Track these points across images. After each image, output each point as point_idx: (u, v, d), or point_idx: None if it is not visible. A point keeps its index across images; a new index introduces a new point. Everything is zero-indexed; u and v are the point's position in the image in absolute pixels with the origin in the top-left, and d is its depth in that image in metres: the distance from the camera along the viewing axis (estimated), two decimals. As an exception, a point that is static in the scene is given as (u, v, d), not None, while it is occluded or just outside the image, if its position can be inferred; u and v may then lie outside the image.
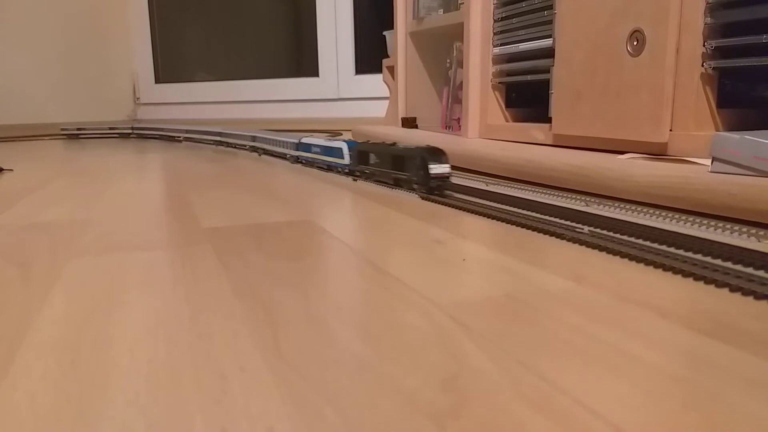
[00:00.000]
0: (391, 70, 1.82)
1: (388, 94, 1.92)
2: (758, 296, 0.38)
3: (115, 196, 0.91)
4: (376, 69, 2.10)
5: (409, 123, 1.65)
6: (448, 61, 1.39)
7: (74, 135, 2.53)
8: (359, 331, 0.35)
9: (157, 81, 3.24)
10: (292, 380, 0.28)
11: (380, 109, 2.31)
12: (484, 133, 1.16)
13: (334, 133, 2.39)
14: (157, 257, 0.53)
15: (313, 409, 0.26)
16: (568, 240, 0.55)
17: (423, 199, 0.80)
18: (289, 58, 3.21)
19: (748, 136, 0.57)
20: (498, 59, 1.12)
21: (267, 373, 0.29)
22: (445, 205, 0.75)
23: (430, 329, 0.35)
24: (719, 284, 0.41)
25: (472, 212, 0.69)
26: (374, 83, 2.55)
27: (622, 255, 0.49)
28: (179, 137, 2.15)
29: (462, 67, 1.25)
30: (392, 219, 0.67)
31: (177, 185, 1.02)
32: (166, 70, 3.26)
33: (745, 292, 0.39)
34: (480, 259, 0.50)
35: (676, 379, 0.28)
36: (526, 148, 0.93)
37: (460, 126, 1.26)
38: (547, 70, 0.96)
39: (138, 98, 3.25)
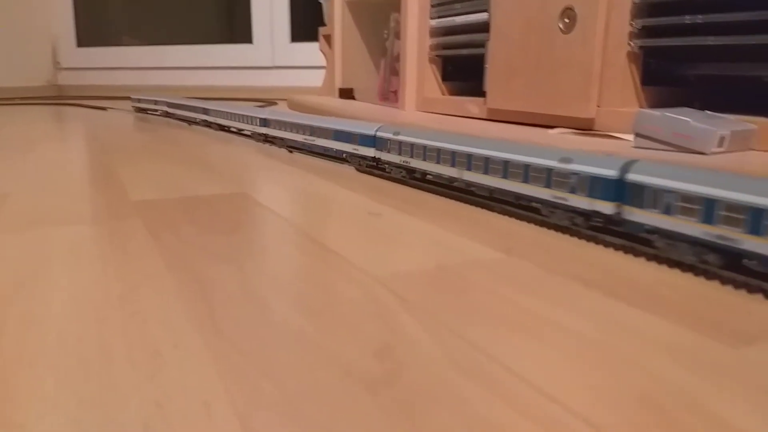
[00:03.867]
0: (328, 38, 1.80)
1: (324, 64, 1.90)
2: (672, 264, 0.41)
3: (36, 167, 0.86)
4: (313, 37, 2.06)
5: (346, 94, 1.64)
6: (386, 32, 1.38)
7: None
8: (297, 304, 0.35)
9: (80, 45, 3.07)
10: (230, 355, 0.28)
11: (316, 79, 2.28)
12: (421, 106, 1.16)
13: (268, 103, 2.34)
14: (83, 232, 0.51)
15: (250, 383, 0.26)
16: (499, 212, 0.57)
17: (359, 171, 0.80)
18: (221, 23, 3.11)
19: (669, 114, 0.59)
20: (435, 32, 1.12)
21: (203, 348, 0.29)
22: (383, 178, 0.75)
23: (366, 301, 0.35)
24: (637, 253, 0.43)
25: (409, 185, 0.70)
26: (310, 52, 2.51)
27: (549, 226, 0.51)
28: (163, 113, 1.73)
29: (399, 39, 1.24)
30: (329, 192, 0.67)
31: (103, 156, 0.98)
32: (89, 33, 3.09)
33: (660, 261, 0.42)
34: (416, 231, 0.51)
35: (598, 345, 0.29)
36: (461, 122, 0.94)
37: (397, 98, 1.26)
38: (483, 45, 0.97)
39: (58, 63, 3.08)
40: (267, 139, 1.09)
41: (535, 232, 0.51)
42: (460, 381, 0.26)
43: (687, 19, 0.66)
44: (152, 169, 0.84)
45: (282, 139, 1.01)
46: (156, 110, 1.77)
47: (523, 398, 0.25)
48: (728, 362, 0.28)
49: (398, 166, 0.72)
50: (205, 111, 1.41)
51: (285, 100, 2.25)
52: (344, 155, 0.83)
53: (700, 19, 0.64)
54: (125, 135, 1.30)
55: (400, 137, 0.70)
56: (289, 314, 0.33)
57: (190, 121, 1.54)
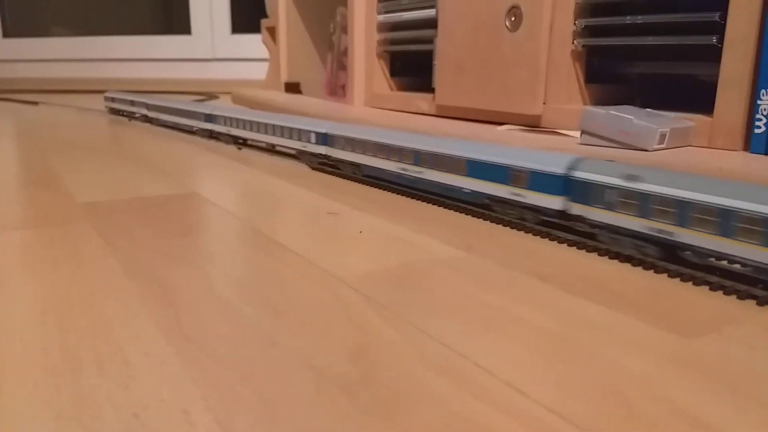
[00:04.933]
0: (272, 31, 1.78)
1: (267, 56, 1.87)
2: (622, 259, 0.43)
3: (-30, 166, 0.82)
4: (255, 28, 2.03)
5: (293, 88, 1.62)
6: (332, 25, 1.38)
7: None
8: (264, 308, 0.35)
9: (6, 35, 2.91)
10: (202, 361, 0.28)
11: (259, 72, 2.24)
12: (370, 102, 1.17)
13: (209, 96, 2.30)
14: (30, 237, 0.49)
15: (226, 389, 0.26)
16: (456, 210, 0.58)
17: (313, 169, 0.80)
18: (158, 13, 3.01)
19: (613, 112, 0.62)
20: (383, 27, 1.13)
21: (174, 355, 0.29)
22: (336, 176, 0.75)
23: (334, 302, 0.36)
24: (590, 249, 0.45)
25: (363, 183, 0.71)
26: (252, 44, 2.47)
27: (505, 223, 0.53)
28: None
29: (346, 33, 1.24)
30: (284, 191, 0.67)
31: (41, 155, 0.94)
32: (16, 23, 2.94)
33: (612, 256, 0.44)
34: (375, 230, 0.51)
35: (560, 339, 0.31)
36: (411, 119, 0.95)
37: (345, 93, 1.26)
38: (431, 41, 0.98)
39: (-17, 53, 2.91)
40: (327, 162, 0.79)
41: (490, 229, 0.52)
42: (434, 379, 0.27)
43: (627, 19, 0.69)
44: (96, 168, 0.81)
45: (343, 161, 0.74)
46: (135, 113, 1.44)
47: (495, 393, 0.26)
48: (683, 353, 0.29)
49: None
50: (211, 117, 1.08)
51: (227, 93, 2.21)
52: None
53: (639, 19, 0.67)
54: (62, 132, 1.25)
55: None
56: (257, 318, 0.33)
57: (185, 130, 1.21)
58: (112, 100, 1.59)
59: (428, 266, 0.42)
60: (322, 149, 0.77)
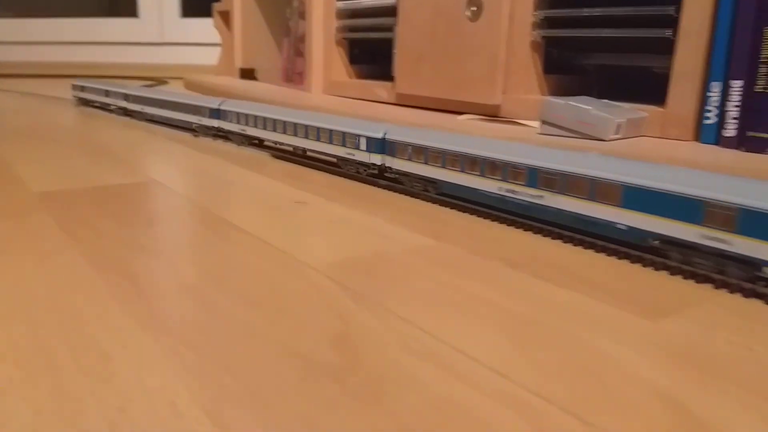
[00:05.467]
0: (224, 15, 1.74)
1: (219, 41, 1.83)
2: (586, 246, 0.45)
3: None
4: (205, 12, 1.98)
5: (248, 74, 1.60)
6: (288, 11, 1.36)
7: None
8: (240, 298, 0.35)
9: (-62, 14, 2.76)
10: (183, 353, 0.28)
11: (210, 57, 2.20)
12: (329, 90, 1.16)
13: (158, 82, 2.23)
14: (-13, 227, 0.47)
15: (211, 380, 0.26)
16: (424, 199, 0.59)
17: (275, 158, 0.79)
18: (103, -5, 2.90)
19: (571, 102, 0.64)
20: (341, 14, 1.12)
21: (152, 347, 0.29)
22: (300, 165, 0.75)
23: (311, 291, 0.36)
24: (554, 236, 0.47)
25: (328, 172, 0.71)
26: (203, 28, 2.41)
27: (470, 212, 0.54)
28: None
29: (304, 19, 1.23)
30: (248, 180, 0.66)
31: (-13, 141, 0.90)
32: (-51, 1, 2.78)
33: (576, 243, 0.45)
34: (344, 219, 0.51)
35: (535, 323, 0.32)
36: (370, 107, 0.96)
37: (302, 80, 1.25)
38: (391, 29, 0.98)
39: None
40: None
41: (456, 217, 0.53)
42: (417, 364, 0.28)
43: (585, 11, 0.71)
44: (48, 156, 0.78)
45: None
46: (110, 105, 1.26)
47: (477, 377, 0.27)
48: (649, 333, 0.31)
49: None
50: (218, 113, 0.92)
51: (177, 78, 2.15)
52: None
53: (597, 12, 0.69)
54: (6, 118, 1.20)
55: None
56: (234, 308, 0.33)
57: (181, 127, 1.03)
58: (82, 89, 1.38)
59: (399, 255, 0.43)
60: (376, 158, 0.63)
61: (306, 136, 0.73)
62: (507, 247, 0.45)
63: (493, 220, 0.52)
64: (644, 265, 0.41)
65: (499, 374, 0.27)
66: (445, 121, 0.78)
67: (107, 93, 1.27)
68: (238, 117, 0.86)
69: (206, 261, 0.40)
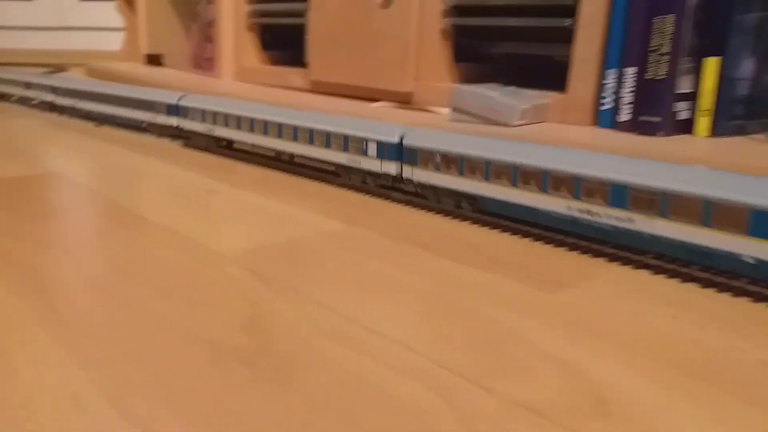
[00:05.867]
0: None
1: (122, 26, 1.75)
2: (493, 226, 0.47)
3: None
4: (108, -4, 1.88)
5: (155, 60, 1.54)
6: (196, -5, 1.31)
7: None
8: (146, 288, 0.34)
9: None
10: (85, 346, 0.27)
11: (113, 42, 2.09)
12: (240, 76, 1.14)
13: (57, 68, 2.10)
14: None
15: (115, 370, 0.25)
16: (337, 185, 0.59)
17: (185, 146, 0.77)
18: (-8, -26, 2.70)
19: (479, 90, 0.66)
20: (252, -1, 1.10)
21: (53, 343, 0.27)
22: (208, 152, 0.73)
23: (221, 279, 0.35)
24: (463, 218, 0.49)
25: (238, 159, 0.70)
26: (104, 11, 2.29)
27: (387, 198, 0.55)
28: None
29: (212, 3, 1.19)
30: (155, 169, 0.64)
31: None
32: None
33: (485, 223, 0.47)
34: (257, 206, 0.51)
35: (441, 299, 0.33)
36: (283, 94, 0.95)
37: (212, 66, 1.22)
38: (303, 14, 0.97)
39: None
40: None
41: (371, 202, 0.54)
42: (327, 344, 0.28)
43: (491, 1, 0.73)
44: (-68, 146, 0.72)
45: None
46: (32, 99, 1.08)
47: (386, 352, 0.27)
48: (548, 305, 0.33)
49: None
50: (178, 110, 0.78)
51: (79, 65, 2.04)
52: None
53: (502, 1, 0.72)
54: None
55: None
56: (140, 299, 0.32)
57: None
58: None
59: (312, 240, 0.43)
60: (390, 167, 0.53)
61: (294, 139, 0.62)
62: (418, 230, 0.46)
63: (410, 206, 0.53)
64: (546, 242, 0.43)
65: (406, 349, 0.28)
66: (360, 108, 0.78)
67: (28, 85, 1.08)
68: (204, 114, 0.73)
69: (112, 253, 0.39)
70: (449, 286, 0.35)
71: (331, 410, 0.23)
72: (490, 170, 0.46)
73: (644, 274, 0.38)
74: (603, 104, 0.63)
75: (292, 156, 0.63)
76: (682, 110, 0.60)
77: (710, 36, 0.59)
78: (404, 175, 0.52)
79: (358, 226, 0.46)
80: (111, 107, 0.90)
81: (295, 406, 0.23)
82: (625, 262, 0.39)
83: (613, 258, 0.40)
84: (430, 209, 0.51)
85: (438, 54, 0.80)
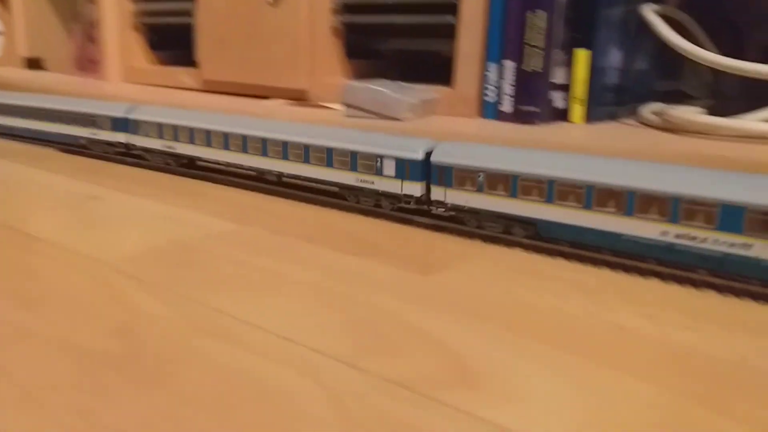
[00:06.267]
0: (3, 0, 1.55)
1: (1, 29, 1.63)
2: (377, 215, 0.48)
3: None
4: (-18, -3, 1.75)
5: (35, 64, 1.44)
6: (77, -6, 1.25)
7: None
8: (11, 300, 0.32)
9: None
10: (-62, 363, 0.25)
11: (-8, 46, 1.94)
12: (128, 78, 1.09)
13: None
14: None
15: (-28, 387, 0.24)
16: (226, 185, 0.58)
17: (65, 152, 0.73)
18: None
19: (370, 85, 0.67)
20: (136, -2, 1.06)
21: None
22: (91, 158, 0.70)
23: (95, 287, 0.34)
24: (351, 210, 0.49)
25: (122, 163, 0.67)
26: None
27: (276, 194, 0.54)
28: None
29: (94, 3, 1.14)
30: (31, 177, 0.61)
31: None
32: None
33: (366, 213, 0.48)
34: (141, 210, 0.49)
35: (323, 290, 0.34)
36: (173, 94, 0.92)
37: (97, 68, 1.16)
38: (191, 13, 0.95)
39: None
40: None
41: (261, 201, 0.53)
42: (205, 343, 0.28)
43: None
44: None
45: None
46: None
47: (266, 345, 0.27)
48: (423, 287, 0.34)
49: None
50: (127, 124, 0.67)
51: (-49, 70, 1.88)
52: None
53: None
54: None
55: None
56: (4, 311, 0.31)
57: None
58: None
59: (200, 241, 0.42)
60: (413, 188, 0.46)
61: (285, 157, 0.53)
62: (306, 225, 0.46)
63: (298, 201, 0.53)
64: (425, 228, 0.44)
65: (285, 339, 0.28)
66: (253, 106, 0.77)
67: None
68: (161, 129, 0.63)
69: (-26, 265, 0.37)
70: (331, 276, 0.35)
71: (203, 405, 0.23)
72: (554, 191, 0.39)
73: (517, 252, 0.40)
74: (486, 96, 0.66)
75: (280, 176, 0.55)
76: (558, 99, 0.63)
77: (580, 30, 0.62)
78: (433, 197, 0.45)
79: (246, 225, 0.46)
80: (34, 122, 0.77)
81: (166, 404, 0.23)
82: (499, 242, 0.41)
83: (488, 239, 0.42)
84: (316, 202, 0.51)
85: (330, 51, 0.80)
